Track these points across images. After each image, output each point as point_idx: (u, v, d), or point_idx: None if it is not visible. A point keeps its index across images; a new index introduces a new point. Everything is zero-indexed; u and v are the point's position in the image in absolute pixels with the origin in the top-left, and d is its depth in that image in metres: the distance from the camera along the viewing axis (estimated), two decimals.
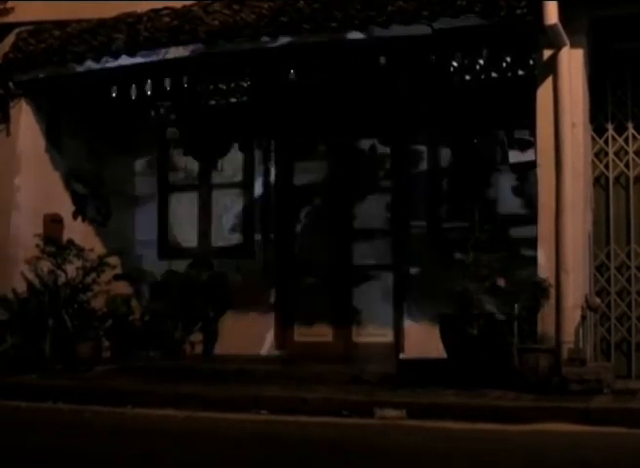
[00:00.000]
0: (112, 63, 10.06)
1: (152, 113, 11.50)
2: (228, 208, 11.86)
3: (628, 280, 8.78)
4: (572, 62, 8.48)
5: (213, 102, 11.35)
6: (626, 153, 8.88)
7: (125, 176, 12.05)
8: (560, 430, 7.00)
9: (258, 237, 11.54)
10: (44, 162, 10.94)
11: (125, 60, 9.99)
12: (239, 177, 11.81)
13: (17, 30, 10.80)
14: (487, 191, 10.55)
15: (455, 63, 9.67)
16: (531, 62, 9.16)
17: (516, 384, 8.01)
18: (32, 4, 10.61)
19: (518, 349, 8.15)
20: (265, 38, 9.39)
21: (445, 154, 10.82)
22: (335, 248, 11.22)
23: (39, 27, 10.73)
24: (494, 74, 9.82)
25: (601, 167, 8.91)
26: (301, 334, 11.21)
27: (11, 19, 10.76)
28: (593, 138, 8.92)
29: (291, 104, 11.06)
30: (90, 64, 10.16)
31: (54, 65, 10.39)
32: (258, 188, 11.60)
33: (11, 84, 10.66)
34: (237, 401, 8.19)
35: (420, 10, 8.82)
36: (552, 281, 8.31)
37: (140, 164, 12.19)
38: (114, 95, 10.48)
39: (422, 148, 10.89)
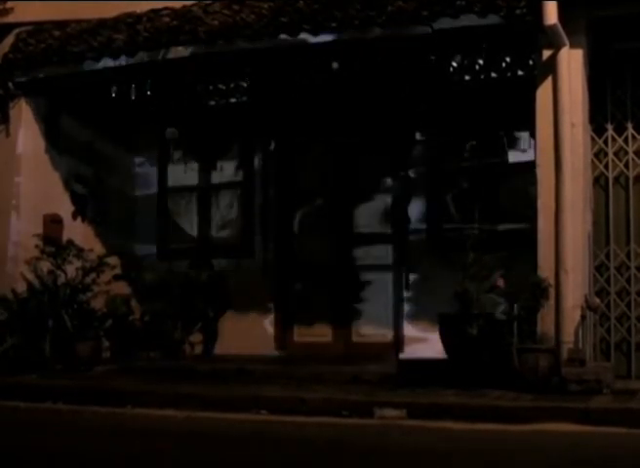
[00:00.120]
0: (112, 63, 10.07)
1: (152, 113, 11.49)
2: (228, 208, 11.86)
3: (628, 280, 8.78)
4: (571, 62, 8.49)
5: (213, 102, 11.35)
6: (626, 153, 8.89)
7: (125, 177, 12.05)
8: (560, 430, 7.00)
9: (257, 237, 11.54)
10: (44, 162, 10.94)
11: (125, 61, 10.00)
12: (239, 177, 11.81)
13: (16, 31, 10.81)
14: (487, 191, 10.55)
15: (454, 63, 9.69)
16: (530, 63, 9.17)
17: (516, 384, 8.01)
18: (32, 4, 10.62)
19: (518, 349, 8.15)
20: (265, 38, 9.40)
21: (445, 154, 10.81)
22: (334, 247, 11.21)
23: (39, 28, 10.73)
24: (493, 74, 9.83)
25: (601, 167, 8.92)
26: (301, 335, 11.21)
27: (10, 19, 10.77)
28: (593, 138, 8.92)
29: (291, 104, 11.06)
30: (90, 64, 10.17)
31: (53, 66, 10.39)
32: (257, 188, 11.60)
33: (10, 84, 10.66)
34: (237, 401, 8.19)
35: (420, 10, 8.82)
36: (552, 281, 8.31)
37: (139, 164, 12.19)
38: (114, 95, 10.50)
39: (422, 148, 10.89)
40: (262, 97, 11.05)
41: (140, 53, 9.90)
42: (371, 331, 10.86)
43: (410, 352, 10.30)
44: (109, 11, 10.26)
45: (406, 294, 10.69)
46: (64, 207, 11.15)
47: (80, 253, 10.39)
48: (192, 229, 11.99)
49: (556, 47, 8.45)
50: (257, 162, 11.61)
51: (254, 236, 11.57)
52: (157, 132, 11.89)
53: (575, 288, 8.34)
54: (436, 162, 10.80)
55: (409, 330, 10.57)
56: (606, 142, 8.91)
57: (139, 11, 10.17)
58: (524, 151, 10.01)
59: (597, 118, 8.92)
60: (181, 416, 7.96)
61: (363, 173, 11.20)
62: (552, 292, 8.29)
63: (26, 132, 10.77)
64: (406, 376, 8.71)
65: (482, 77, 9.91)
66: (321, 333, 11.06)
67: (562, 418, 7.17)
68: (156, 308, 11.01)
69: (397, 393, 8.18)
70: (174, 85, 10.15)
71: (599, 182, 8.94)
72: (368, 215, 11.11)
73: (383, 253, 10.99)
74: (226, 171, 11.83)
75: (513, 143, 10.25)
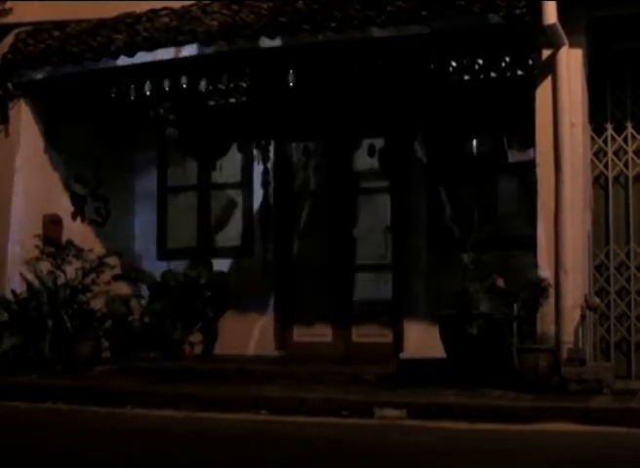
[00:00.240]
0: (111, 64, 10.07)
1: (152, 113, 11.48)
2: (228, 208, 11.85)
3: (628, 280, 8.77)
4: (571, 62, 8.49)
5: (212, 103, 11.34)
6: (626, 153, 8.88)
7: (124, 177, 12.04)
8: (560, 430, 7.00)
9: (257, 237, 11.53)
10: (43, 163, 10.93)
11: (124, 61, 10.00)
12: (238, 178, 11.81)
13: (16, 31, 10.80)
14: (486, 191, 10.55)
15: (454, 63, 9.67)
16: (530, 62, 9.16)
17: (516, 384, 8.01)
18: (31, 4, 10.61)
19: (518, 349, 8.15)
20: (264, 38, 9.39)
21: (445, 154, 10.81)
22: (334, 247, 11.22)
23: (38, 28, 10.73)
24: (493, 74, 9.80)
25: (600, 166, 8.91)
26: (301, 335, 11.21)
27: (10, 19, 10.76)
28: (592, 138, 8.91)
29: (290, 105, 11.05)
30: (89, 65, 10.17)
31: (53, 66, 10.39)
32: (257, 188, 11.59)
33: (10, 85, 10.65)
34: (237, 401, 8.19)
35: (420, 10, 8.82)
36: (552, 281, 8.31)
37: (139, 164, 12.18)
38: (113, 95, 10.49)
39: (422, 148, 10.88)
40: (262, 97, 11.04)
41: (139, 53, 9.91)
42: (371, 330, 10.86)
43: (410, 352, 10.29)
44: (109, 11, 10.25)
45: (406, 295, 10.69)
46: (64, 207, 11.14)
47: (80, 253, 10.39)
48: (192, 229, 11.99)
49: (556, 47, 8.45)
50: (256, 162, 11.60)
51: (253, 236, 11.57)
52: (157, 132, 11.88)
53: (574, 287, 8.34)
54: (436, 162, 10.80)
55: (409, 329, 10.57)
56: (605, 142, 8.91)
57: (138, 11, 10.17)
58: (524, 151, 10.00)
59: (597, 118, 8.92)
60: (181, 416, 7.96)
61: (362, 172, 11.20)
62: (552, 291, 8.29)
63: (26, 132, 10.77)
64: (406, 376, 8.72)
65: (481, 77, 9.90)
66: (321, 333, 11.06)
67: (562, 418, 7.18)
68: (156, 308, 11.01)
69: (397, 393, 8.18)
70: (173, 85, 10.12)
71: (599, 182, 8.94)
72: (368, 215, 11.11)
73: (383, 252, 10.99)
74: (226, 171, 11.83)
75: (513, 143, 10.25)
